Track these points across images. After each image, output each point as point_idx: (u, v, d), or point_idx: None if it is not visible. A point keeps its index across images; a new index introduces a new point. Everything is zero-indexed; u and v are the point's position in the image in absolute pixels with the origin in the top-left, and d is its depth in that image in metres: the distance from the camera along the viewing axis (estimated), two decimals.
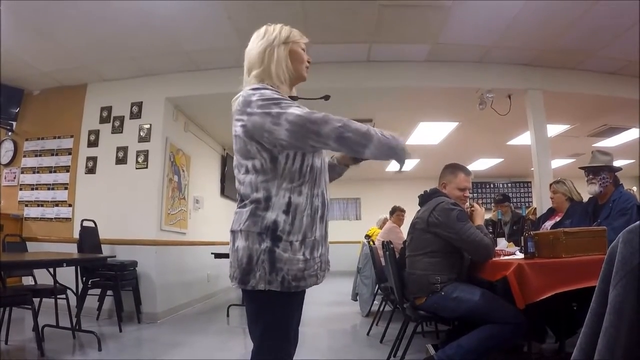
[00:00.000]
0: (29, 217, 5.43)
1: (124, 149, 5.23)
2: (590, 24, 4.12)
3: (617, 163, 3.33)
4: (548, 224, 3.97)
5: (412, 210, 3.21)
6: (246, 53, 1.59)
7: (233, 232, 1.42)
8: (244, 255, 1.37)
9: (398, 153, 1.39)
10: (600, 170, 3.21)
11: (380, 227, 7.00)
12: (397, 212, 6.00)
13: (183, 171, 5.89)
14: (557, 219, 3.90)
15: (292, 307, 1.45)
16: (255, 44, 1.55)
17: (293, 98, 1.55)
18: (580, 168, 3.45)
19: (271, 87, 1.44)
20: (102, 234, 4.87)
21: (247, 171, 1.42)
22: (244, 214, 1.40)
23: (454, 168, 2.99)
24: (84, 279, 4.33)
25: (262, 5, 3.80)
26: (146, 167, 5.14)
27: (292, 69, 1.54)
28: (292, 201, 1.40)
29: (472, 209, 2.91)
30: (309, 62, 1.62)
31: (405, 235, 4.54)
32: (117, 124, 5.33)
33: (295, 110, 1.33)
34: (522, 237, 2.60)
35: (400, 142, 1.40)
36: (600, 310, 0.97)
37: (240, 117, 1.42)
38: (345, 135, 1.32)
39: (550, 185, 4.07)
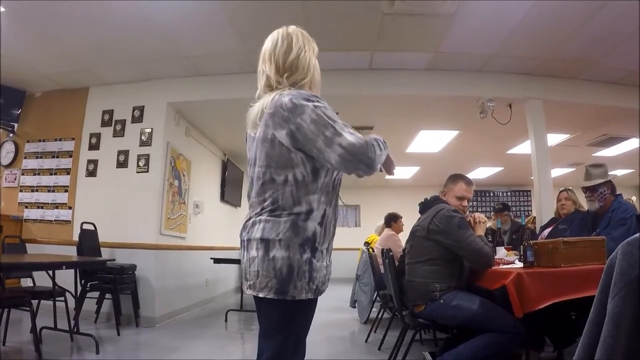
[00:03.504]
0: (28, 219, 5.43)
1: (125, 153, 5.24)
2: (590, 34, 4.14)
3: (617, 173, 3.32)
4: (546, 232, 3.98)
5: (411, 218, 3.21)
6: (278, 54, 1.51)
7: (266, 240, 1.38)
8: (283, 265, 1.35)
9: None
10: (597, 187, 3.20)
11: (379, 235, 6.97)
12: (399, 220, 5.96)
13: (183, 176, 5.90)
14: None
15: (313, 310, 1.49)
16: (295, 49, 1.50)
17: None
18: (582, 190, 3.40)
19: (322, 100, 1.41)
20: (102, 237, 4.87)
21: (285, 181, 1.39)
22: (281, 223, 1.37)
23: (455, 177, 3.00)
24: (83, 281, 4.32)
25: (264, 11, 3.82)
26: (147, 171, 5.15)
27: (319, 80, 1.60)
28: (326, 212, 1.44)
29: (474, 221, 2.90)
30: None
31: (403, 243, 4.54)
32: (118, 127, 5.34)
33: (349, 136, 1.32)
34: (521, 246, 2.60)
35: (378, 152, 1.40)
36: (598, 321, 0.97)
37: (287, 123, 1.37)
38: (381, 161, 1.40)
39: (561, 192, 4.06)
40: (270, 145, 1.41)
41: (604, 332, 0.93)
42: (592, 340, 0.97)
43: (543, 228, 4.24)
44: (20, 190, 5.55)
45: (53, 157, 5.51)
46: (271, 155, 1.41)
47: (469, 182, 2.99)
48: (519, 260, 2.84)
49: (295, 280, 1.35)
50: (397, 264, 3.34)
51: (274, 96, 1.42)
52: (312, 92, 1.44)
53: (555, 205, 4.21)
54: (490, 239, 3.34)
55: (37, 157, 5.58)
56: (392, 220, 5.95)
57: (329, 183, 1.44)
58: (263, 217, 1.41)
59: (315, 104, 1.36)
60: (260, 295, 1.38)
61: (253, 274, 1.40)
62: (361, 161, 1.31)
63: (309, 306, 1.43)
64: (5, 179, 5.63)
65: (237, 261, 6.04)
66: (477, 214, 2.95)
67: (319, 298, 1.46)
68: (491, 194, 12.12)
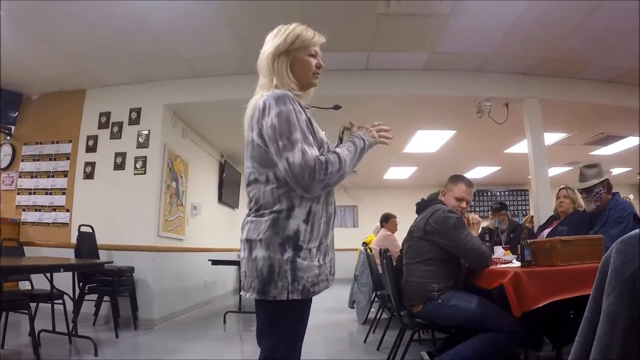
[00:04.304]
0: (26, 222, 5.41)
1: (122, 155, 5.23)
2: (587, 33, 4.15)
3: (614, 171, 3.32)
4: (545, 232, 3.97)
5: (408, 218, 3.21)
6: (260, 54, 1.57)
7: (249, 241, 1.39)
8: (264, 266, 1.35)
9: (363, 153, 1.54)
10: (592, 187, 3.20)
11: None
12: (392, 219, 5.99)
13: (181, 177, 5.90)
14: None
15: (306, 312, 1.46)
16: (265, 48, 1.54)
17: None
18: (578, 191, 3.41)
19: (293, 102, 1.39)
20: (100, 240, 4.85)
21: (267, 180, 1.40)
22: (262, 223, 1.38)
23: (456, 178, 2.99)
24: (81, 284, 4.31)
25: (262, 12, 3.82)
26: (144, 173, 5.14)
27: (293, 79, 1.51)
28: (312, 210, 1.41)
29: (468, 222, 2.89)
30: (319, 67, 1.57)
31: (399, 242, 4.54)
32: (115, 129, 5.34)
33: (297, 154, 1.30)
34: (519, 246, 2.60)
35: (354, 151, 1.48)
36: (594, 319, 0.98)
37: (258, 125, 1.40)
38: (330, 183, 1.36)
39: (560, 189, 4.04)
40: (251, 146, 1.44)
41: (599, 331, 0.93)
42: (588, 339, 0.98)
43: (542, 228, 4.23)
44: (18, 193, 5.54)
45: (50, 159, 5.50)
46: (253, 156, 1.44)
47: (469, 183, 2.96)
48: (517, 260, 2.84)
49: (277, 281, 1.34)
50: (395, 264, 3.34)
51: (254, 100, 1.47)
52: (286, 92, 1.41)
53: (554, 203, 4.21)
54: (487, 239, 3.34)
55: (34, 160, 5.57)
56: (385, 221, 5.99)
57: None
58: (249, 218, 1.43)
59: (281, 108, 1.35)
60: (247, 295, 1.40)
61: (242, 274, 1.43)
62: (298, 183, 1.32)
63: (298, 307, 1.40)
64: (3, 182, 5.61)
65: (235, 263, 6.05)
66: (471, 215, 2.95)
67: (317, 299, 1.45)
68: (489, 194, 12.13)
